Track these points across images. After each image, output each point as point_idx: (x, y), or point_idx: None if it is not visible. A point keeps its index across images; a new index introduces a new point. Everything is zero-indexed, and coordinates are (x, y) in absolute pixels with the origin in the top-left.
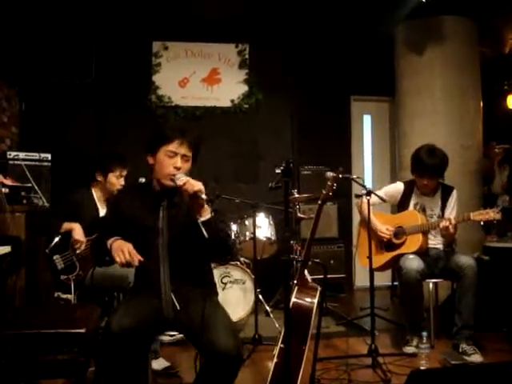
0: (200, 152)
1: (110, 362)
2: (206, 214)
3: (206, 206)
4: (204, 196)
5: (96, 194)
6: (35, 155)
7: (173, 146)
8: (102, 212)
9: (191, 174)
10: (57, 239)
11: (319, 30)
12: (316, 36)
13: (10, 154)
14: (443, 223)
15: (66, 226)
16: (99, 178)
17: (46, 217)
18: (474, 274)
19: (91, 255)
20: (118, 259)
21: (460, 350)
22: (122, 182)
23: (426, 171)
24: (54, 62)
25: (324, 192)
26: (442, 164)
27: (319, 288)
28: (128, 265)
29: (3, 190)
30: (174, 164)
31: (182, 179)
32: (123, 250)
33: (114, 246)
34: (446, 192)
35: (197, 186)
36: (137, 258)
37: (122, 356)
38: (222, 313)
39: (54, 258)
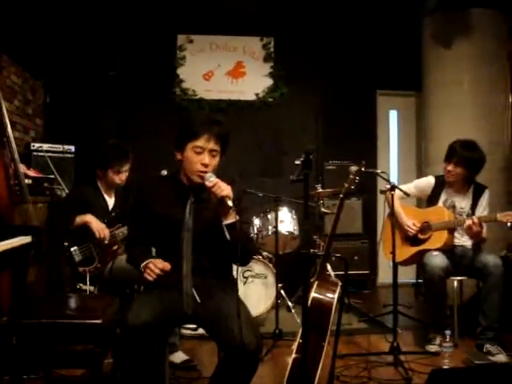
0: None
1: (127, 355)
2: (231, 218)
3: (231, 210)
4: (230, 203)
5: (102, 186)
6: (59, 147)
7: (200, 142)
8: (110, 202)
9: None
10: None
11: (345, 24)
12: (342, 30)
13: (33, 146)
14: (468, 222)
15: (79, 219)
16: (100, 174)
17: (55, 213)
18: (500, 274)
19: (128, 261)
20: (149, 278)
21: (484, 349)
22: (122, 177)
23: (452, 157)
24: (80, 55)
25: (346, 185)
26: (473, 159)
27: (340, 283)
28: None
29: (26, 181)
30: (201, 161)
31: (211, 180)
32: (151, 268)
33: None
34: (479, 191)
35: (225, 190)
36: (163, 268)
37: (139, 349)
38: (242, 307)
39: (72, 250)
